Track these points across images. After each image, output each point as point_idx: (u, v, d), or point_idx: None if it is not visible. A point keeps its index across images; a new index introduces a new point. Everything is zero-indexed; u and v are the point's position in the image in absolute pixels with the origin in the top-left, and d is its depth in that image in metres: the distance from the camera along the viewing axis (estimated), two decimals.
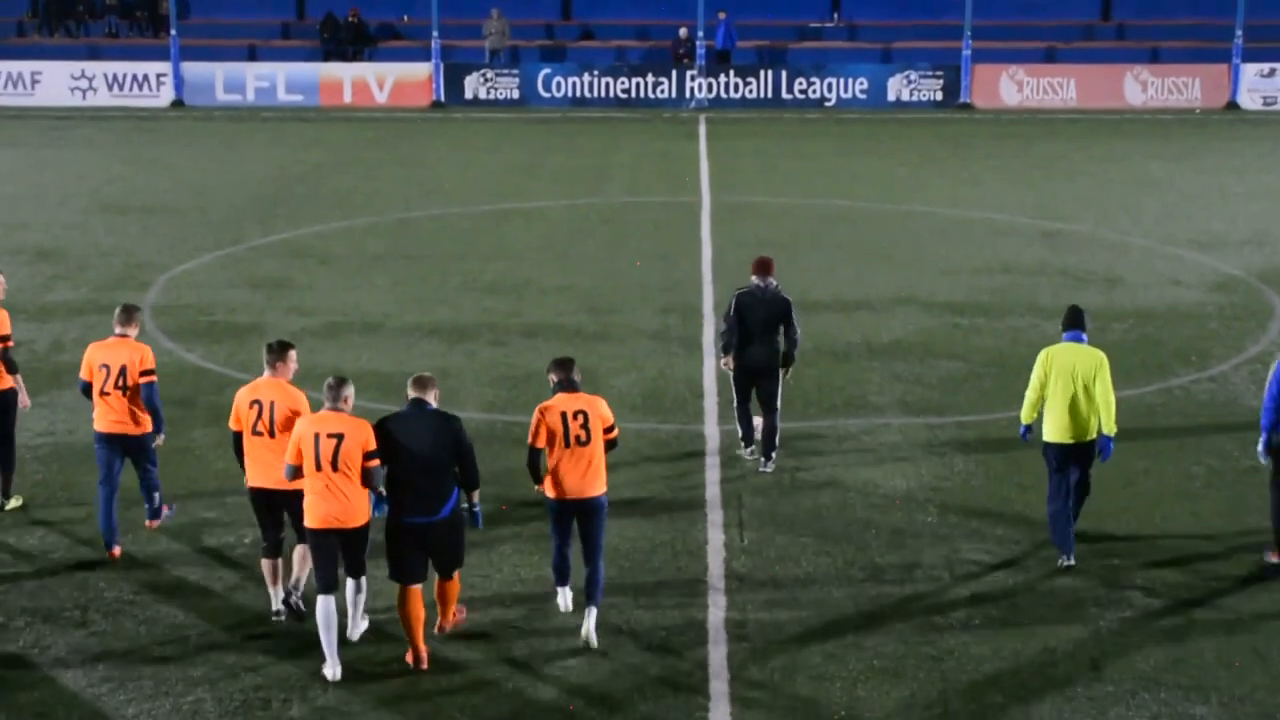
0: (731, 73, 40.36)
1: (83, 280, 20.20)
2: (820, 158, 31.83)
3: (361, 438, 9.53)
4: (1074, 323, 11.47)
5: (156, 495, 11.55)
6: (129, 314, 11.46)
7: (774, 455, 13.11)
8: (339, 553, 9.71)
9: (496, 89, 40.45)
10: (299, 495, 9.81)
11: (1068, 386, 11.16)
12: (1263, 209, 25.63)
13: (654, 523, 11.88)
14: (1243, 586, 10.82)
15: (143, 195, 26.93)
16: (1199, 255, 21.94)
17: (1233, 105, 39.24)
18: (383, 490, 9.64)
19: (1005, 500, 12.33)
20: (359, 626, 10.04)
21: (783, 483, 12.77)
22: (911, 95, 40.08)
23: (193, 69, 40.44)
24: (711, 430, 14.09)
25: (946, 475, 12.96)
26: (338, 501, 9.55)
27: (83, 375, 11.36)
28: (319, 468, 9.50)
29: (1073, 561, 11.18)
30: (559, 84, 40.40)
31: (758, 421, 13.35)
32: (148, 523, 11.71)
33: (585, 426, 10.00)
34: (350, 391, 9.74)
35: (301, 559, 10.32)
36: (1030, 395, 11.37)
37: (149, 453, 11.39)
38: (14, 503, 12.31)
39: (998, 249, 22.21)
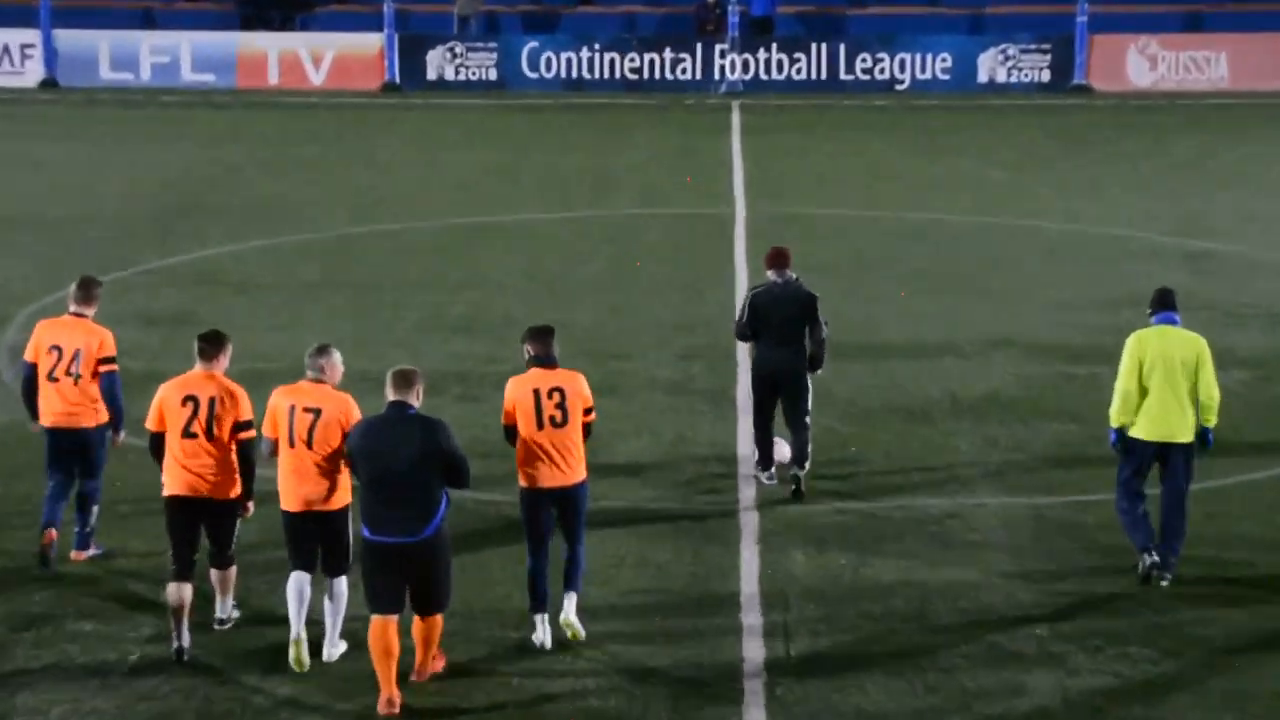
0: (774, 46, 40.60)
1: None
2: (890, 157, 31.90)
3: (340, 413, 11.00)
4: (1165, 303, 12.70)
5: (94, 512, 12.83)
6: (88, 290, 12.82)
7: (806, 468, 14.37)
8: (317, 540, 11.18)
9: (468, 68, 40.69)
10: (225, 507, 11.40)
11: (1164, 377, 12.33)
12: None
13: (676, 630, 11.83)
14: None
15: (1, 203, 27.04)
16: None
17: None
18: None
19: (1139, 604, 12.28)
20: (337, 646, 11.22)
21: (841, 580, 12.74)
22: (1010, 75, 40.26)
23: (69, 38, 40.74)
24: (747, 510, 14.08)
25: (1059, 572, 12.92)
26: (314, 483, 11.03)
27: (28, 357, 12.75)
28: (292, 444, 10.98)
29: (1156, 558, 12.35)
30: (549, 61, 40.64)
31: (781, 451, 14.55)
32: (74, 554, 12.80)
33: (561, 406, 11.29)
34: (335, 360, 11.28)
35: (222, 583, 11.62)
36: (1121, 387, 12.46)
37: (98, 453, 12.77)
38: None
39: (1125, 276, 22.22)
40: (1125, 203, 27.34)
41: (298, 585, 11.15)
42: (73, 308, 12.77)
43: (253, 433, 11.43)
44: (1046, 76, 40.24)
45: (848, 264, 22.69)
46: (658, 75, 40.61)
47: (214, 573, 11.60)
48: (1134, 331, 12.76)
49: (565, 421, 11.29)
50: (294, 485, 11.06)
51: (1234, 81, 40.01)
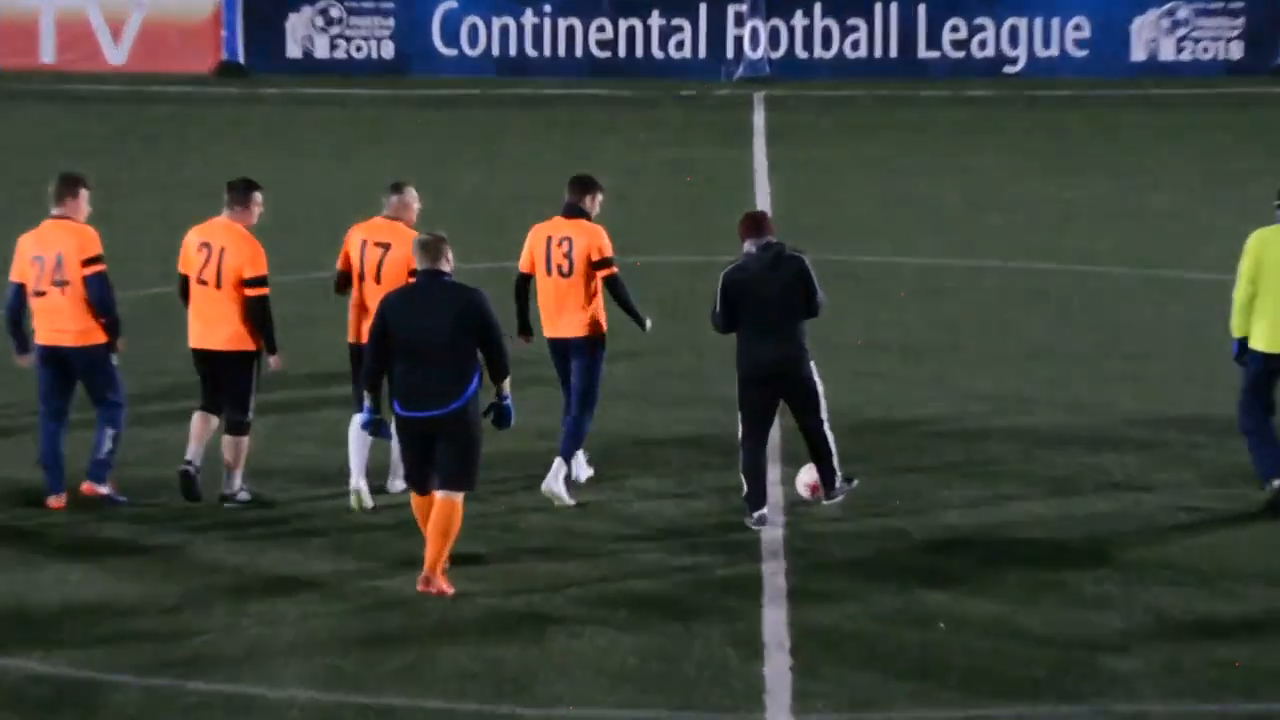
0: (816, 9, 40.94)
1: None
2: (991, 176, 32.30)
3: (410, 249, 15.55)
4: None
5: (108, 436, 16.55)
6: (69, 186, 16.52)
7: (838, 483, 16.69)
8: None
9: (349, 39, 41.14)
10: (233, 360, 16.08)
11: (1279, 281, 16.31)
12: None
13: None
14: None
15: None
16: None
17: None
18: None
19: None
20: (398, 483, 16.36)
21: None
22: (1180, 51, 40.74)
23: None
24: (773, 634, 14.39)
25: None
26: None
27: (13, 276, 16.30)
28: (362, 279, 16.08)
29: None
30: (474, 31, 41.06)
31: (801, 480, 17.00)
32: (84, 485, 16.73)
33: (569, 256, 16.32)
34: (409, 197, 16.76)
35: (234, 453, 16.21)
36: (1238, 295, 16.65)
37: (106, 371, 16.48)
38: None
39: None
40: None
41: (358, 429, 15.82)
42: (54, 210, 16.41)
43: (264, 290, 16.11)
44: (1237, 52, 40.74)
45: (933, 338, 22.90)
46: (639, 53, 41.02)
47: (225, 439, 16.28)
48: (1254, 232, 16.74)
49: (570, 272, 16.44)
50: (362, 319, 15.77)
51: None
